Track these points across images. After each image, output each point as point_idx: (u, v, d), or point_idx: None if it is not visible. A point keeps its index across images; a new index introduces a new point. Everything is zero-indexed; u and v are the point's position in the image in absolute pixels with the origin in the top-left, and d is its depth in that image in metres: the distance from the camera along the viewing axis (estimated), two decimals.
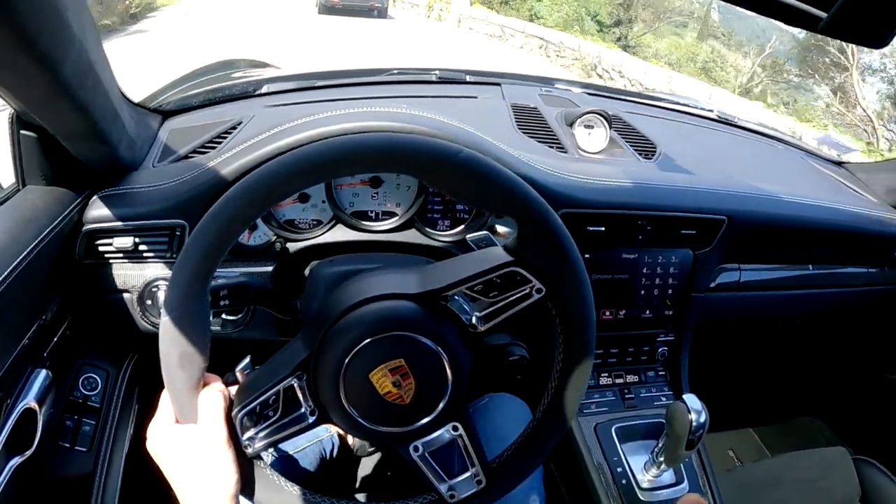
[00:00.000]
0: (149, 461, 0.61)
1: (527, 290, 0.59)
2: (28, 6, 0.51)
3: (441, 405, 0.59)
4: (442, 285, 0.58)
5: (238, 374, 0.63)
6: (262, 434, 0.58)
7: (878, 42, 0.54)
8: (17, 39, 0.52)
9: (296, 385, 0.58)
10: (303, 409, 0.59)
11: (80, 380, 0.92)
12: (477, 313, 0.59)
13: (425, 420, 0.59)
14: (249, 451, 0.58)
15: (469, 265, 0.60)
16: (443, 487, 0.61)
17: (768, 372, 1.68)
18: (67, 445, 0.89)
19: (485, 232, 0.65)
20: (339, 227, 0.95)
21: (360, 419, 0.58)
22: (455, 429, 0.61)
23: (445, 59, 10.01)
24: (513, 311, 0.60)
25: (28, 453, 0.77)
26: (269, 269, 0.91)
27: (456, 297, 0.59)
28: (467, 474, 0.62)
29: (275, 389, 0.58)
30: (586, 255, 0.98)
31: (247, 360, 0.63)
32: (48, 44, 0.57)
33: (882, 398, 1.40)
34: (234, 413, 0.58)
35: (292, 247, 0.94)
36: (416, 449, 0.61)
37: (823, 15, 0.51)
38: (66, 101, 0.68)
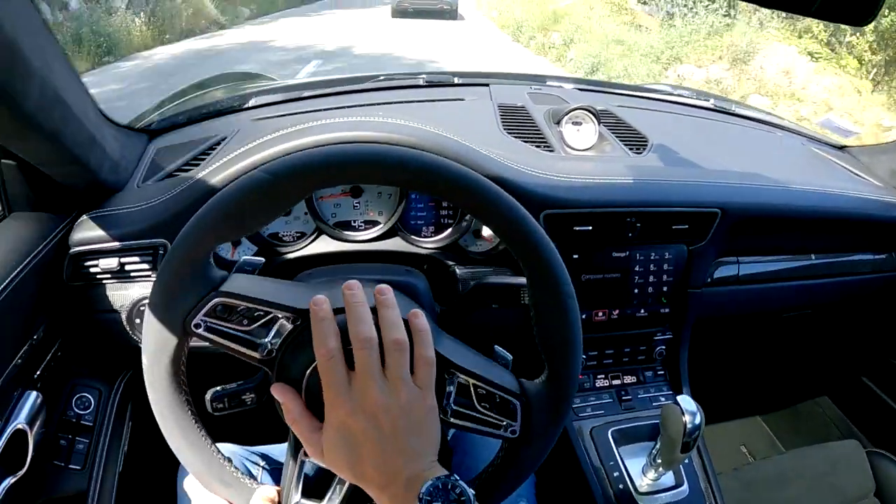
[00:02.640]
0: (142, 478, 0.61)
1: (504, 423, 0.60)
2: None
3: None
4: (460, 365, 0.59)
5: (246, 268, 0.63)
6: (215, 325, 0.57)
7: (860, 22, 0.60)
8: None
9: (284, 320, 0.57)
10: (265, 341, 0.57)
11: (73, 399, 0.94)
12: (454, 406, 0.60)
13: None
14: (196, 329, 0.56)
15: (490, 369, 0.61)
16: None
17: (777, 365, 1.64)
18: (62, 464, 0.90)
19: (511, 357, 0.65)
20: (323, 238, 0.94)
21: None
22: None
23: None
24: (477, 429, 0.60)
25: (20, 473, 0.78)
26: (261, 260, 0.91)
27: (455, 381, 0.59)
28: None
29: (271, 307, 0.57)
30: (574, 256, 0.96)
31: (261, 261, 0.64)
32: (2, 80, 0.57)
33: (894, 387, 1.36)
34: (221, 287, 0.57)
35: (277, 260, 0.93)
36: None
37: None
38: (35, 133, 0.69)
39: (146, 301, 0.89)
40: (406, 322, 0.57)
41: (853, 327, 1.41)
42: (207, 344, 0.57)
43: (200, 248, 0.55)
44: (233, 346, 0.57)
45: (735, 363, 1.60)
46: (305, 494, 0.61)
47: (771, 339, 1.52)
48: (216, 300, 0.56)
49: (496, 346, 0.66)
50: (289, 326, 0.57)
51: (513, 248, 0.59)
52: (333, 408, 0.54)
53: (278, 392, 0.57)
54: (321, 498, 0.60)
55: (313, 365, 0.56)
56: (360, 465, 0.54)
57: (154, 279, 0.56)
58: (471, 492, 0.53)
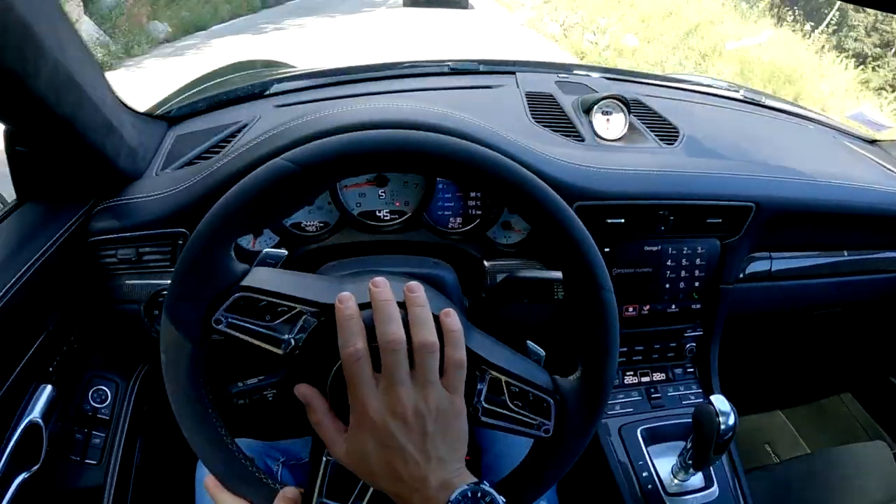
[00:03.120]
0: (159, 471, 0.59)
1: (537, 422, 0.58)
2: None
3: None
4: (492, 361, 0.57)
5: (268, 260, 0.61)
6: (237, 320, 0.54)
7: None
8: None
9: (308, 315, 0.55)
10: (287, 337, 0.55)
11: (90, 392, 0.92)
12: (485, 404, 0.57)
13: None
14: (217, 326, 0.54)
15: (523, 366, 0.59)
16: None
17: (803, 362, 1.61)
18: (77, 458, 0.88)
19: (544, 353, 0.63)
20: (347, 228, 0.91)
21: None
22: None
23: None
24: (510, 428, 0.58)
25: (34, 468, 0.76)
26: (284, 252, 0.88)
27: (486, 378, 0.57)
28: None
29: (295, 302, 0.55)
30: (606, 249, 0.93)
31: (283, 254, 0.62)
32: (13, 61, 0.55)
33: None
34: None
35: (300, 251, 0.90)
36: None
37: None
38: (47, 118, 0.67)
39: (164, 291, 0.87)
40: (436, 320, 0.54)
41: (882, 326, 1.38)
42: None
43: (221, 241, 0.53)
44: (255, 341, 0.55)
45: (760, 360, 1.57)
46: (329, 496, 0.59)
47: (797, 336, 1.49)
48: (238, 295, 0.54)
49: (529, 342, 0.63)
50: (313, 322, 0.55)
51: (549, 239, 0.56)
52: (358, 411, 0.52)
53: (302, 392, 0.55)
54: (345, 500, 0.58)
55: (338, 364, 0.53)
56: (385, 470, 0.52)
57: (173, 270, 0.53)
58: (501, 500, 0.51)
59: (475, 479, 0.52)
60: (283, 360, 0.56)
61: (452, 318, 0.55)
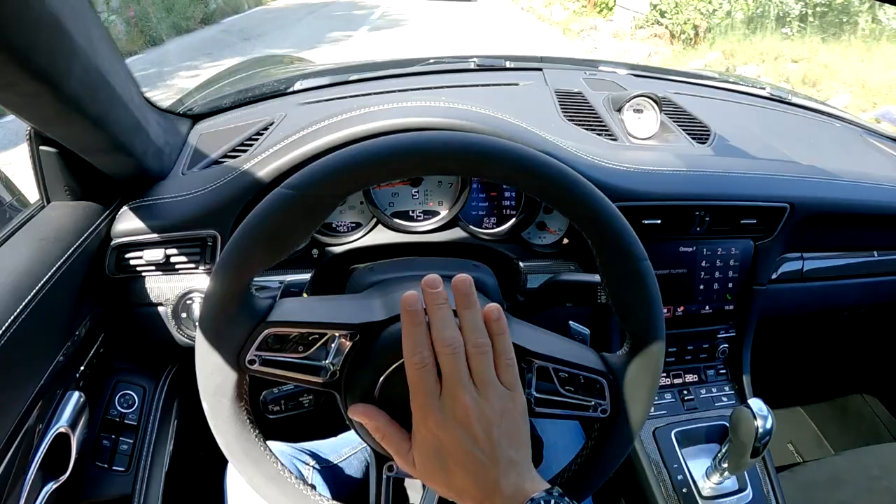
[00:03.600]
0: (188, 478, 0.58)
1: (592, 403, 0.57)
2: (14, 21, 0.47)
3: None
4: (537, 351, 0.56)
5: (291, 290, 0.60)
6: (270, 357, 0.53)
7: None
8: (9, 57, 0.48)
9: (340, 339, 0.54)
10: (325, 363, 0.54)
11: (116, 398, 0.90)
12: (536, 394, 0.56)
13: None
14: (251, 366, 0.53)
15: (569, 349, 0.58)
16: None
17: (829, 363, 1.60)
18: (105, 466, 0.86)
19: (588, 332, 0.63)
20: (380, 228, 0.90)
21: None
22: None
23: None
24: (565, 415, 0.57)
25: (63, 478, 0.74)
26: (307, 276, 0.86)
27: (534, 368, 0.56)
28: None
29: (326, 328, 0.54)
30: None
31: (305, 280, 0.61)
32: (46, 59, 0.53)
33: None
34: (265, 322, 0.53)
35: (331, 251, 0.89)
36: None
37: None
38: (78, 117, 0.65)
39: (193, 294, 0.85)
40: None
41: None
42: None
43: (239, 281, 0.51)
44: (293, 375, 0.54)
45: (785, 360, 1.56)
46: None
47: (823, 336, 1.48)
48: (266, 332, 0.53)
49: (571, 323, 0.62)
50: (348, 344, 0.54)
51: (577, 221, 0.55)
52: (424, 419, 0.50)
53: (360, 414, 0.54)
54: None
55: (384, 375, 0.53)
56: (455, 478, 0.51)
57: (201, 272, 0.52)
58: None
59: (548, 485, 0.51)
60: (326, 388, 0.56)
61: (498, 318, 0.53)
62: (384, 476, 0.58)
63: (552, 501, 0.48)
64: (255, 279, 0.53)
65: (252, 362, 0.52)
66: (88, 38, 0.61)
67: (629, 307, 0.56)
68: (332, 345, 0.54)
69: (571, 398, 0.57)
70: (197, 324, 0.54)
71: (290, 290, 0.60)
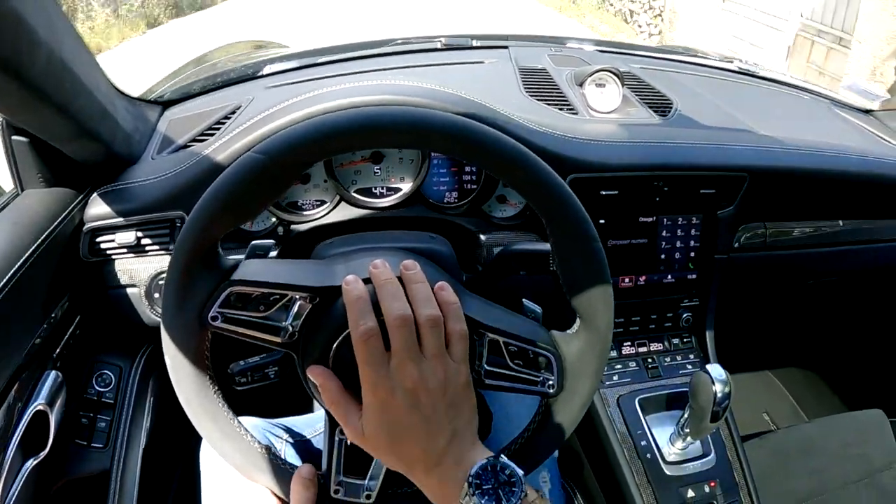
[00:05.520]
0: (165, 453, 0.60)
1: (541, 378, 0.58)
2: None
3: None
4: (489, 324, 0.57)
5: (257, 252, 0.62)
6: (232, 314, 0.55)
7: None
8: None
9: (301, 301, 0.56)
10: (285, 324, 0.56)
11: (94, 377, 0.93)
12: (487, 366, 0.58)
13: None
14: (213, 322, 0.55)
15: (520, 324, 0.59)
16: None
17: (801, 332, 1.62)
18: (84, 443, 0.89)
19: (540, 310, 0.63)
20: (344, 205, 0.92)
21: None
22: None
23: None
24: (514, 388, 0.59)
25: (42, 455, 0.77)
26: (274, 254, 0.88)
27: (485, 341, 0.58)
28: None
29: (287, 290, 0.55)
30: (601, 221, 0.94)
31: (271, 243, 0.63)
32: (9, 51, 0.55)
33: None
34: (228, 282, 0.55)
35: (296, 229, 0.91)
36: None
37: None
38: (43, 105, 0.67)
39: (164, 274, 0.87)
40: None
41: (879, 295, 1.38)
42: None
43: (205, 241, 0.53)
44: (253, 333, 0.56)
45: (758, 330, 1.58)
46: (346, 472, 0.60)
47: (795, 306, 1.50)
48: (230, 290, 0.54)
49: (525, 300, 0.64)
50: (308, 307, 0.56)
51: (534, 200, 0.56)
52: (372, 389, 0.52)
53: (315, 374, 0.55)
54: (363, 473, 0.59)
55: (338, 340, 0.54)
56: (403, 447, 0.53)
57: (172, 253, 0.54)
58: (520, 471, 0.51)
59: (491, 453, 0.53)
60: (285, 348, 0.57)
61: (448, 292, 0.55)
62: (336, 439, 0.60)
63: (498, 466, 0.51)
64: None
65: (214, 318, 0.54)
66: (51, 30, 0.63)
67: (578, 286, 0.57)
68: (294, 307, 0.56)
69: (520, 372, 0.58)
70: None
71: (257, 253, 0.62)
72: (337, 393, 0.54)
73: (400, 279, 0.55)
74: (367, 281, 0.54)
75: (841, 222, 1.13)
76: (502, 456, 0.52)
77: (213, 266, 0.55)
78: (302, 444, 0.97)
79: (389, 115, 0.53)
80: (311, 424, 1.02)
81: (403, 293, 0.53)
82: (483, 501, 0.49)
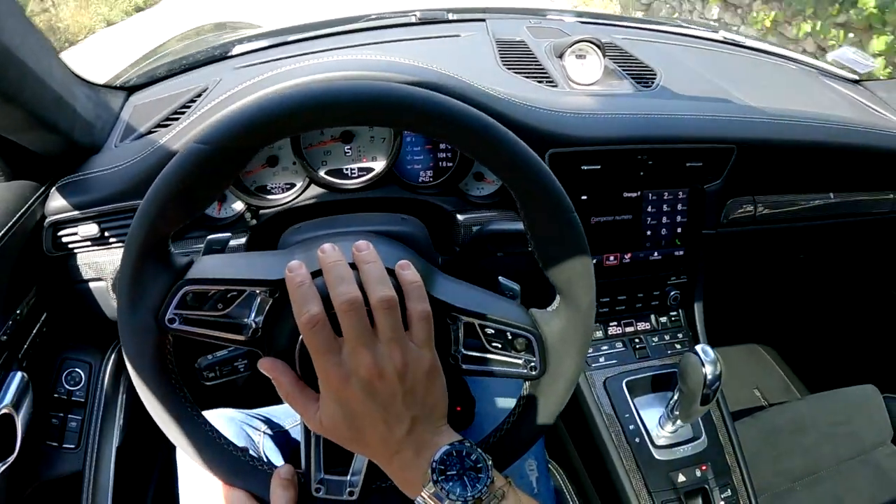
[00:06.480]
0: (140, 451, 0.57)
1: (522, 360, 0.55)
2: None
3: None
4: (460, 306, 0.54)
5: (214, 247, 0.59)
6: (190, 315, 0.52)
7: None
8: None
9: (262, 295, 0.53)
10: (247, 321, 0.53)
11: (63, 376, 0.90)
12: (464, 351, 0.55)
13: None
14: (171, 325, 0.52)
15: (495, 304, 0.56)
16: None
17: (792, 307, 1.60)
18: (55, 444, 0.86)
19: (518, 287, 0.60)
20: (314, 188, 0.88)
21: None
22: None
23: None
24: (495, 372, 0.56)
25: (10, 459, 0.74)
26: (242, 241, 0.85)
27: (460, 324, 0.55)
28: None
29: (244, 285, 0.53)
30: (583, 197, 0.91)
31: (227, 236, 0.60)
32: None
33: None
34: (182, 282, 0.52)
35: (266, 214, 0.87)
36: None
37: None
38: None
39: None
40: (395, 277, 0.52)
41: (871, 269, 1.36)
42: None
43: (154, 237, 0.50)
44: (215, 333, 0.53)
45: (748, 305, 1.56)
46: (328, 466, 0.57)
47: (785, 280, 1.48)
48: (184, 289, 0.51)
49: (500, 278, 0.61)
50: (269, 300, 0.53)
51: (496, 170, 0.52)
52: (326, 378, 0.50)
53: (266, 367, 0.53)
54: (345, 465, 0.57)
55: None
56: (362, 435, 0.51)
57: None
58: (487, 457, 0.49)
59: (459, 437, 0.51)
60: (249, 346, 0.55)
61: (409, 271, 0.53)
62: (313, 435, 0.57)
63: (463, 451, 0.49)
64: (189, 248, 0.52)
65: (172, 321, 0.51)
66: None
67: (556, 261, 0.54)
68: (254, 302, 0.53)
69: (501, 355, 0.56)
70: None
71: (213, 248, 0.59)
72: (290, 385, 0.53)
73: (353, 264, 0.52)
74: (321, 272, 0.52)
75: (832, 195, 1.10)
76: (468, 440, 0.50)
77: (165, 264, 0.52)
78: (281, 436, 0.94)
79: (335, 91, 0.49)
80: (291, 414, 0.99)
81: (353, 276, 0.50)
82: (447, 487, 0.47)
